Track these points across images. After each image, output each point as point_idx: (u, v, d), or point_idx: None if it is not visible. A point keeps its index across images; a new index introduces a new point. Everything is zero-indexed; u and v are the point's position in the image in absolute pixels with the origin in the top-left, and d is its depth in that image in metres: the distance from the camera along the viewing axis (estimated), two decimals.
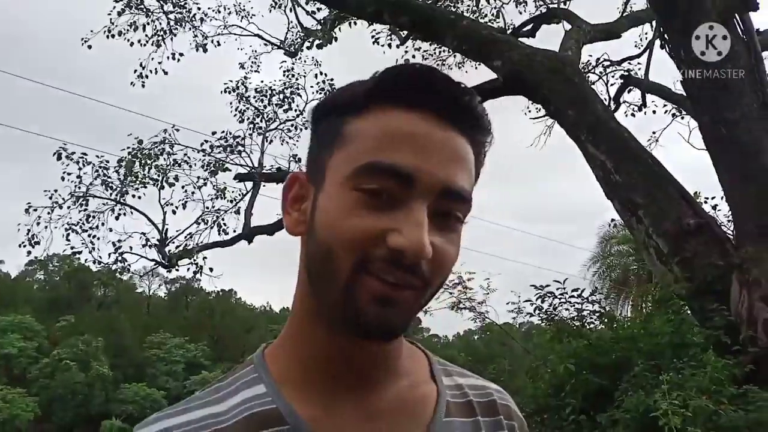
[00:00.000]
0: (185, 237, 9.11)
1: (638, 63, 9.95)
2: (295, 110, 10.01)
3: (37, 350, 36.27)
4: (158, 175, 8.97)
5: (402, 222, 0.60)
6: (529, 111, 10.07)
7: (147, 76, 9.70)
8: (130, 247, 8.94)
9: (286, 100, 10.01)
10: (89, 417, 34.29)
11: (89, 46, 9.56)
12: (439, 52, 10.60)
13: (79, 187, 9.00)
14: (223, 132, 9.38)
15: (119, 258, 8.88)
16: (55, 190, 9.07)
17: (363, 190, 0.61)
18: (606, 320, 6.11)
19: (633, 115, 9.95)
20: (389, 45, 10.15)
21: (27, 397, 32.38)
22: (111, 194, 9.10)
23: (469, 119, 0.65)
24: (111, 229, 9.04)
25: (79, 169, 8.98)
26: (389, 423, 0.68)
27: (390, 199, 0.61)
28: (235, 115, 9.91)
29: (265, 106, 9.95)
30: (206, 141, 9.32)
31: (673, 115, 9.52)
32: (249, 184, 9.23)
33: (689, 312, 5.48)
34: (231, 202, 9.40)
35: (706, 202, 7.15)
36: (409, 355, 0.75)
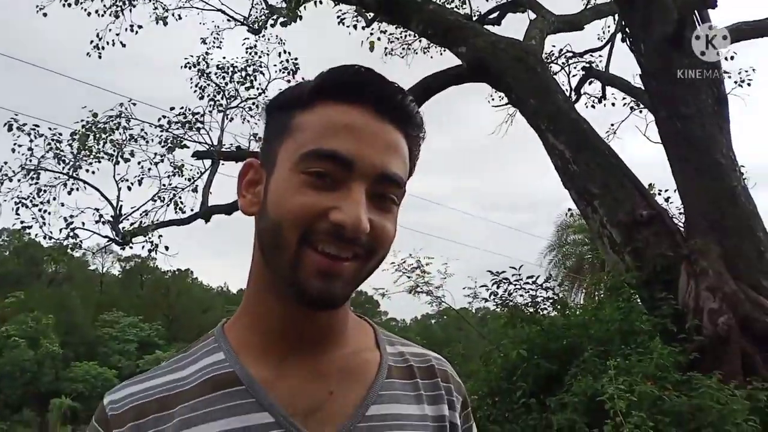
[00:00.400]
0: (140, 214, 8.90)
1: (600, 55, 10.15)
2: (257, 88, 9.82)
3: None
4: (113, 150, 8.69)
5: (342, 201, 0.68)
6: (493, 99, 10.14)
7: (104, 48, 9.41)
8: (83, 223, 8.68)
9: (248, 77, 9.78)
10: (38, 395, 33.58)
11: (44, 14, 9.23)
12: (405, 35, 10.56)
13: (30, 160, 8.71)
14: (182, 108, 9.15)
15: (71, 234, 8.62)
16: (5, 162, 8.78)
17: (309, 173, 0.69)
18: (559, 307, 6.24)
19: (593, 106, 10.14)
20: (354, 26, 10.06)
21: None
22: (63, 168, 8.83)
23: (401, 115, 0.73)
24: (63, 204, 8.79)
25: (31, 141, 8.68)
26: (336, 383, 0.76)
27: (332, 182, 0.69)
28: (195, 91, 9.68)
29: (226, 83, 9.74)
30: (164, 116, 9.08)
31: (632, 108, 9.72)
32: (207, 162, 9.04)
33: (639, 300, 5.64)
34: (189, 180, 9.22)
35: (659, 195, 7.34)
36: (355, 326, 0.83)
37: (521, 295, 6.11)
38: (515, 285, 6.05)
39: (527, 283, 6.03)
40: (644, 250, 5.51)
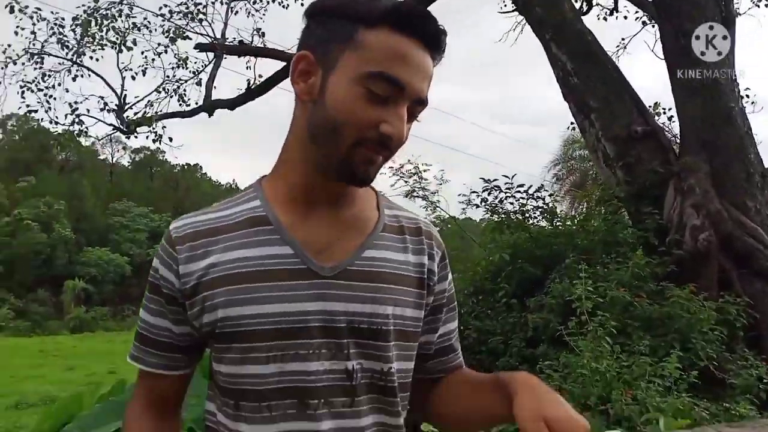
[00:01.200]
0: (145, 104, 8.96)
1: None
2: None
3: None
4: (116, 38, 8.60)
5: (391, 116, 0.90)
6: (505, 5, 9.82)
7: None
8: (88, 110, 8.77)
9: None
10: (52, 277, 34.63)
11: None
12: None
13: (34, 44, 8.67)
14: None
15: (76, 120, 8.71)
16: (9, 45, 8.74)
17: (369, 90, 0.89)
18: (548, 216, 6.40)
19: (605, 19, 9.83)
20: None
21: None
22: (67, 54, 8.79)
23: (439, 49, 0.94)
24: (67, 91, 8.84)
25: (33, 24, 8.60)
26: (343, 231, 0.99)
27: (384, 99, 0.89)
28: None
29: None
30: (165, 5, 8.95)
31: (644, 23, 9.37)
32: (210, 55, 8.99)
33: (626, 214, 5.79)
34: (193, 73, 9.18)
35: (663, 113, 7.32)
36: (363, 191, 1.05)
37: (511, 203, 6.27)
38: (506, 193, 6.19)
39: (518, 191, 6.16)
40: (636, 165, 5.59)
